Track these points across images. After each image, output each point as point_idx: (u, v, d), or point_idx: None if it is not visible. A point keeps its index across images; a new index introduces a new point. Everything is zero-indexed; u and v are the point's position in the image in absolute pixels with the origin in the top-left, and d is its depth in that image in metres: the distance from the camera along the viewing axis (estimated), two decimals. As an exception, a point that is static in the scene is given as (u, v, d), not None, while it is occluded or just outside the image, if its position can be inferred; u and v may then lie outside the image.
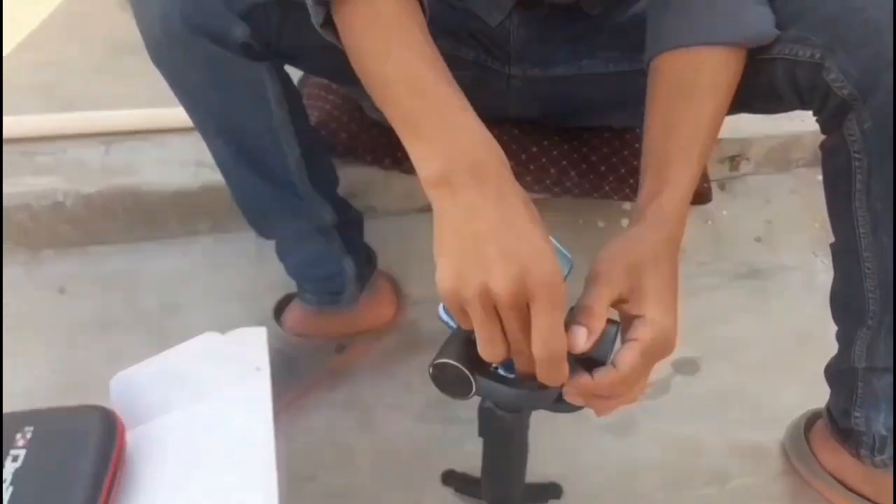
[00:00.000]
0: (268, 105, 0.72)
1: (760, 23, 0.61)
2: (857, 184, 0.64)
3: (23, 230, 1.03)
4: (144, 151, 1.07)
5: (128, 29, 0.70)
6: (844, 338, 0.74)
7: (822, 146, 0.67)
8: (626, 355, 0.50)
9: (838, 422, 0.79)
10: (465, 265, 0.46)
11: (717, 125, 0.61)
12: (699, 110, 0.60)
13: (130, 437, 0.72)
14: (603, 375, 0.50)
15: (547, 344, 0.46)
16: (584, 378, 0.50)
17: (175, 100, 0.74)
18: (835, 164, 0.66)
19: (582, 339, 0.49)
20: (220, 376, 0.73)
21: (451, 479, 0.83)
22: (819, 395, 0.84)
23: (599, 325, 0.50)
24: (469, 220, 0.46)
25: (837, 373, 0.78)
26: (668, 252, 0.54)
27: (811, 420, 0.86)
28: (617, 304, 0.52)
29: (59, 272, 1.05)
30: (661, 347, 0.51)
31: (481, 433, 0.65)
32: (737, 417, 0.92)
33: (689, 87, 0.61)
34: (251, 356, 0.74)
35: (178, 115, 1.06)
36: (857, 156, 0.63)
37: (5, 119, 1.07)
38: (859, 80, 0.57)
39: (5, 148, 1.05)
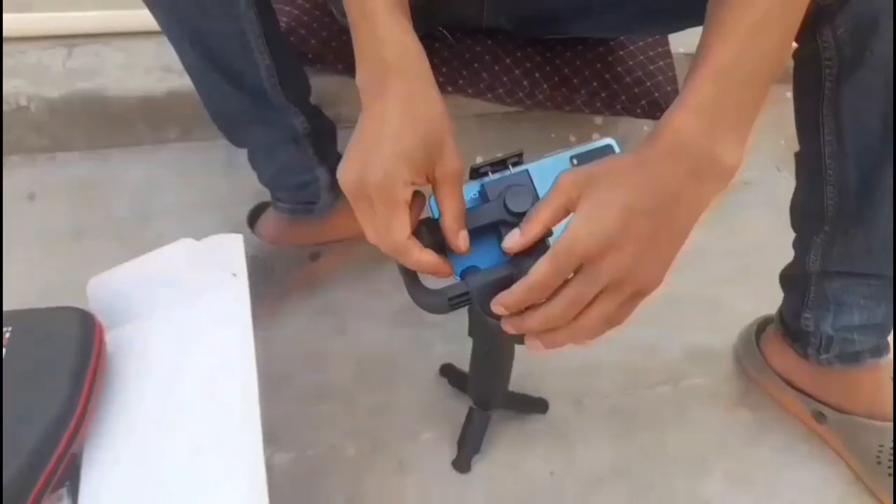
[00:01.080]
0: (237, 6, 0.70)
1: None
2: (826, 91, 0.65)
3: (-14, 135, 1.01)
4: (108, 56, 1.04)
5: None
6: (801, 244, 0.78)
7: (795, 55, 0.68)
8: (539, 262, 0.46)
9: (788, 324, 0.84)
10: (353, 164, 0.49)
11: (772, 35, 0.47)
12: (731, 14, 0.47)
13: (110, 337, 0.74)
14: (517, 292, 0.47)
15: (380, 239, 0.49)
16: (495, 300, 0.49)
17: (138, 1, 0.71)
18: (806, 72, 0.67)
19: (510, 240, 0.48)
20: (199, 281, 0.74)
21: (448, 372, 0.87)
22: (771, 305, 0.89)
23: (533, 228, 0.47)
24: (370, 126, 0.49)
25: (791, 277, 0.82)
26: (642, 167, 0.45)
27: (762, 325, 0.91)
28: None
29: (27, 178, 1.04)
30: (569, 255, 0.44)
31: (469, 332, 0.67)
32: (693, 323, 0.97)
33: None
34: (228, 262, 0.74)
35: (141, 17, 1.03)
36: (827, 63, 0.64)
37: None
38: None
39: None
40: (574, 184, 0.46)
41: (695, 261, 1.02)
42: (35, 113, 1.00)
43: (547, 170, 0.52)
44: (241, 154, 0.90)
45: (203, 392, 0.67)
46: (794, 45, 0.67)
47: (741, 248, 1.05)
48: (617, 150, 0.52)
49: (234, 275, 0.75)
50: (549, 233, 0.49)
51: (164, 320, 0.74)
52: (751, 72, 0.47)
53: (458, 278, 0.52)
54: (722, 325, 0.97)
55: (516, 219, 0.49)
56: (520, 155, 0.52)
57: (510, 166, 0.52)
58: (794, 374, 0.86)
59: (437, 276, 0.51)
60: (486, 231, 0.51)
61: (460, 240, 0.49)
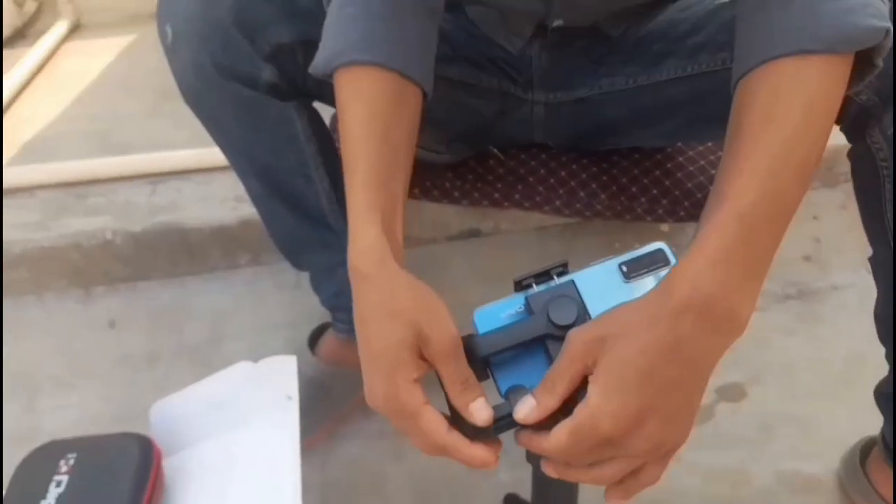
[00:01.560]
0: (297, 141, 0.75)
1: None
2: (885, 193, 0.61)
3: (75, 269, 1.09)
4: (188, 190, 1.12)
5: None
6: (893, 358, 0.70)
7: (849, 155, 0.64)
8: (554, 431, 0.44)
9: (892, 447, 0.74)
10: (366, 389, 0.50)
11: (790, 162, 0.45)
12: (759, 143, 0.45)
13: (168, 463, 0.74)
14: (536, 444, 0.46)
15: (426, 448, 0.48)
16: (524, 436, 0.48)
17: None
18: (862, 173, 0.63)
19: (524, 411, 0.45)
20: (252, 404, 0.75)
21: (512, 502, 0.81)
22: (875, 422, 0.79)
23: (548, 401, 0.45)
24: (359, 345, 0.49)
25: (886, 395, 0.73)
26: (658, 325, 0.42)
27: (867, 447, 0.81)
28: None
29: (109, 307, 1.10)
30: (591, 433, 0.43)
31: (528, 458, 0.64)
32: (786, 446, 0.87)
33: (754, 112, 0.47)
34: (282, 384, 0.75)
35: (218, 154, 1.12)
36: (883, 164, 0.60)
37: (60, 165, 1.14)
38: (878, 85, 0.55)
39: (61, 191, 1.12)
40: (587, 349, 0.44)
41: (781, 376, 0.94)
42: (119, 245, 1.07)
43: (594, 278, 0.49)
44: (305, 279, 0.91)
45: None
46: (847, 143, 0.64)
47: (834, 360, 0.96)
48: (669, 255, 0.49)
49: (289, 397, 0.75)
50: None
51: (216, 445, 0.74)
52: (775, 211, 0.44)
53: (503, 398, 0.48)
54: (818, 449, 0.86)
55: (562, 331, 0.47)
56: (564, 265, 0.50)
57: (555, 277, 0.50)
58: (908, 504, 0.75)
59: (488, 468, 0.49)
60: (532, 346, 0.48)
61: (474, 414, 0.47)
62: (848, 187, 1.16)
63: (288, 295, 1.10)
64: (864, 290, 1.05)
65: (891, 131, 0.57)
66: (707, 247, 0.43)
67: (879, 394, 0.75)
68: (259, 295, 1.10)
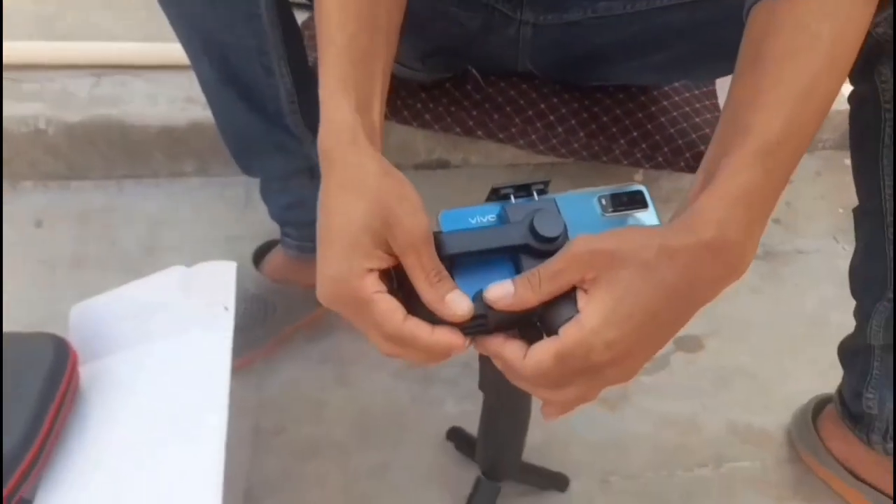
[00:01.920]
0: (259, 22, 0.67)
1: None
2: (885, 138, 0.58)
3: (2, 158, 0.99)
4: (134, 86, 1.03)
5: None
6: (862, 312, 0.68)
7: (851, 97, 0.61)
8: (537, 350, 0.41)
9: (849, 405, 0.73)
10: (318, 278, 0.44)
11: (815, 98, 0.42)
12: (783, 76, 0.41)
13: (86, 370, 0.68)
14: (510, 355, 0.42)
15: (379, 341, 0.43)
16: (496, 342, 0.43)
17: (171, 35, 0.69)
18: (862, 116, 0.60)
19: (496, 293, 0.41)
20: (183, 311, 0.69)
21: (456, 435, 0.78)
22: (830, 382, 0.78)
23: (528, 293, 0.41)
24: (319, 225, 0.44)
25: (852, 351, 0.71)
26: (676, 262, 0.39)
27: (819, 406, 0.80)
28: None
29: (36, 205, 1.01)
30: (579, 360, 0.40)
31: (480, 384, 0.60)
32: (739, 399, 0.86)
33: (776, 42, 0.43)
34: (217, 292, 0.69)
35: (172, 50, 1.02)
36: (887, 105, 0.57)
37: (-7, 43, 1.03)
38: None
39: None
40: (592, 260, 0.40)
41: (742, 332, 0.93)
42: (52, 136, 0.98)
43: (574, 204, 0.46)
44: (257, 193, 0.85)
45: (166, 439, 0.59)
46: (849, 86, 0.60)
47: (793, 321, 0.95)
48: (647, 198, 0.47)
49: (226, 308, 0.69)
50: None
51: (142, 353, 0.68)
52: (795, 149, 0.42)
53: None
54: (772, 404, 0.85)
55: (543, 244, 0.43)
56: (546, 183, 0.47)
57: (535, 193, 0.46)
58: (856, 461, 0.75)
59: (457, 353, 0.43)
60: (499, 257, 0.44)
61: (452, 305, 0.42)
62: (825, 154, 1.17)
63: (235, 211, 1.03)
64: (829, 258, 1.05)
65: None
66: (732, 185, 0.40)
67: (844, 349, 0.73)
68: (203, 207, 1.03)
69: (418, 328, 0.41)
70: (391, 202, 0.42)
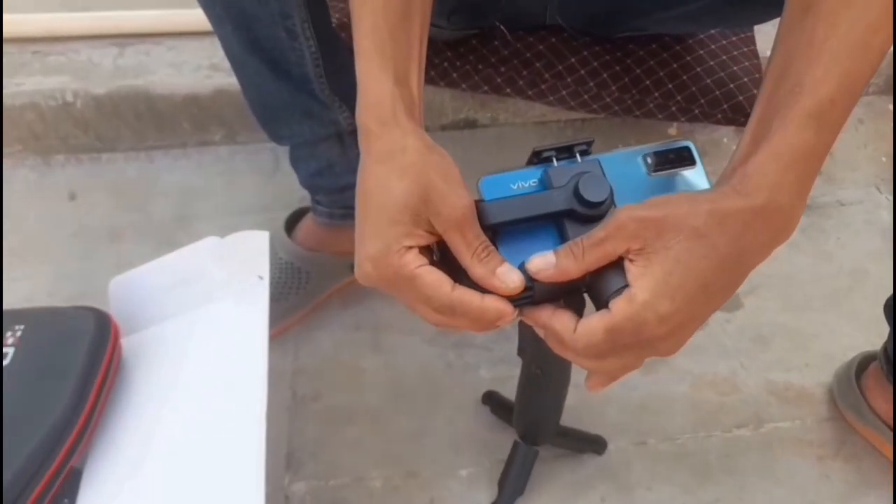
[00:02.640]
0: None
1: None
2: None
3: (33, 133, 1.00)
4: (158, 54, 1.02)
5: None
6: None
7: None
8: (588, 324, 0.40)
9: (895, 362, 0.71)
10: (357, 257, 0.43)
11: (870, 52, 0.40)
12: (837, 28, 0.39)
13: (127, 342, 0.69)
14: (560, 328, 0.41)
15: (428, 315, 0.43)
16: (545, 314, 0.42)
17: (192, 0, 0.68)
18: None
19: (538, 264, 0.40)
20: (219, 281, 0.69)
21: (492, 399, 0.78)
22: (874, 338, 0.77)
23: (570, 264, 0.40)
24: (358, 204, 0.43)
25: (899, 308, 0.69)
26: (728, 228, 0.38)
27: (863, 363, 0.78)
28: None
29: (69, 178, 1.02)
30: (631, 335, 0.39)
31: (519, 351, 0.60)
32: (778, 357, 0.84)
33: None
34: (252, 261, 0.69)
35: (192, 16, 1.01)
36: None
37: (16, 17, 1.02)
38: None
39: (15, 47, 1.01)
40: (638, 230, 0.38)
41: (782, 287, 0.91)
42: (80, 109, 0.98)
43: (619, 164, 0.44)
44: (287, 160, 0.84)
45: (207, 408, 0.60)
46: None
47: (836, 275, 0.93)
48: (695, 154, 0.45)
49: (260, 277, 0.69)
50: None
51: (181, 324, 0.69)
52: (848, 106, 0.39)
53: None
54: (814, 362, 0.84)
55: (589, 209, 0.42)
56: (590, 143, 0.45)
57: (578, 155, 0.45)
58: (901, 421, 0.73)
59: (505, 323, 0.42)
60: (543, 224, 0.43)
61: (504, 278, 0.41)
62: (869, 101, 1.12)
63: (265, 178, 1.03)
64: (872, 209, 1.01)
65: None
66: (784, 147, 0.38)
67: (890, 307, 0.71)
68: (233, 175, 1.03)
69: (468, 295, 0.41)
70: (434, 179, 0.41)
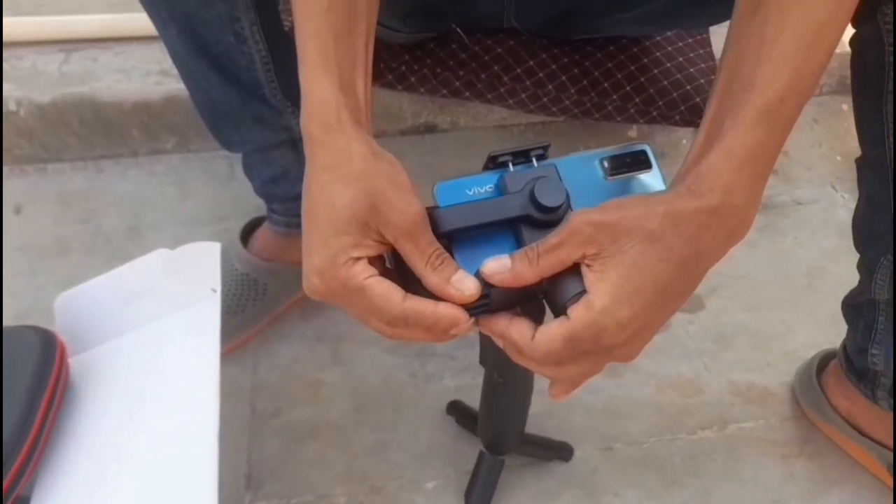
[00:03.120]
0: None
1: None
2: (889, 83, 0.55)
3: (-27, 143, 0.96)
4: (106, 60, 0.99)
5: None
6: (866, 267, 0.66)
7: (852, 41, 0.57)
8: (546, 332, 0.39)
9: (854, 361, 0.72)
10: (305, 268, 0.41)
11: (820, 50, 0.39)
12: (787, 26, 0.39)
13: (76, 361, 0.66)
14: (517, 336, 0.40)
15: (380, 327, 0.41)
16: (501, 323, 0.41)
17: (138, 5, 0.65)
18: (865, 60, 0.57)
19: (493, 268, 0.39)
20: (170, 296, 0.67)
21: (456, 409, 0.77)
22: (833, 336, 0.77)
23: (526, 270, 0.39)
24: (304, 213, 0.41)
25: (856, 306, 0.70)
26: (682, 230, 0.38)
27: (824, 361, 0.79)
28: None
29: (14, 190, 0.98)
30: (590, 342, 0.38)
31: (481, 360, 0.59)
32: (741, 358, 0.85)
33: None
34: (203, 274, 0.67)
35: (141, 20, 0.98)
36: (890, 49, 0.53)
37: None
38: None
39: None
40: (594, 235, 0.38)
41: (741, 287, 0.91)
42: (24, 118, 0.94)
43: (576, 168, 0.44)
44: (241, 168, 0.82)
45: (159, 428, 0.58)
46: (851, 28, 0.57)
47: (793, 274, 0.94)
48: (651, 157, 0.45)
49: (214, 290, 0.67)
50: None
51: (131, 341, 0.67)
52: (798, 104, 0.40)
53: None
54: (775, 361, 0.84)
55: (545, 214, 0.41)
56: (546, 147, 0.44)
57: (534, 159, 0.44)
58: (862, 418, 0.74)
59: (461, 332, 0.41)
60: (499, 230, 0.42)
61: (460, 285, 0.39)
62: (822, 100, 1.13)
63: (220, 187, 1.00)
64: (828, 207, 1.03)
65: None
66: (736, 146, 0.38)
67: (847, 304, 0.71)
68: (186, 184, 1.00)
69: (421, 304, 0.39)
70: (381, 187, 0.39)
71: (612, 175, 0.44)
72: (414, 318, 0.39)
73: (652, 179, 0.45)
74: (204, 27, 0.65)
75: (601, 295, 0.37)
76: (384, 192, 0.39)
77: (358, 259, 0.39)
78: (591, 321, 0.38)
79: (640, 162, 0.45)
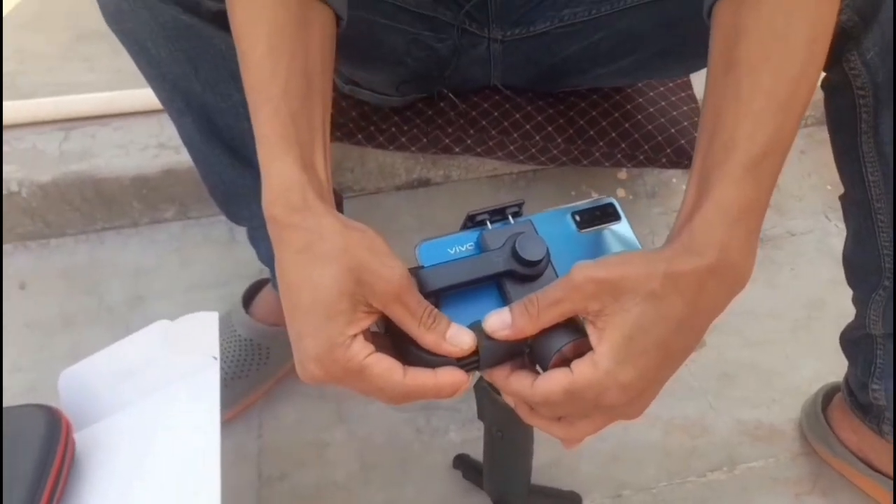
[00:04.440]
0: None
1: None
2: (862, 124, 0.56)
3: (-23, 224, 0.98)
4: (104, 136, 1.01)
5: (94, 15, 0.62)
6: (859, 301, 0.67)
7: (823, 84, 0.59)
8: (546, 382, 0.39)
9: (857, 395, 0.71)
10: (297, 358, 0.42)
11: (796, 103, 0.40)
12: (761, 84, 0.40)
13: (81, 437, 0.67)
14: (519, 386, 0.41)
15: (386, 401, 0.42)
16: (501, 373, 0.42)
17: (137, 80, 0.67)
18: (837, 104, 0.58)
19: (494, 323, 0.40)
20: (169, 368, 0.67)
21: (463, 463, 0.76)
22: (836, 368, 0.77)
23: (525, 323, 0.39)
24: (284, 303, 0.42)
25: (853, 340, 0.70)
26: (682, 289, 0.38)
27: (829, 395, 0.79)
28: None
29: (18, 267, 0.99)
30: (592, 399, 0.39)
31: (479, 414, 0.59)
32: (745, 395, 0.84)
33: (748, 47, 0.41)
34: (202, 344, 0.67)
35: (139, 96, 1.01)
36: (860, 92, 0.55)
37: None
38: (860, 3, 0.49)
39: (-43, 138, 1.00)
40: (594, 293, 0.38)
41: (741, 323, 0.91)
42: (26, 198, 0.96)
43: (551, 223, 0.46)
44: (240, 231, 0.83)
45: (164, 500, 0.58)
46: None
47: (793, 307, 0.94)
48: (619, 210, 0.47)
49: (214, 358, 0.67)
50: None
51: (132, 414, 0.67)
52: (782, 155, 0.40)
53: None
54: (780, 396, 0.84)
55: (528, 268, 0.42)
56: (520, 204, 0.46)
57: (510, 216, 0.46)
58: (871, 452, 0.73)
59: (463, 391, 0.42)
60: (483, 286, 0.43)
61: (456, 340, 0.40)
62: (808, 132, 1.15)
63: (220, 250, 1.02)
64: (822, 237, 1.04)
65: (870, 54, 0.52)
66: (727, 202, 0.39)
67: (845, 339, 0.72)
68: (187, 250, 1.01)
69: (421, 377, 0.40)
70: (361, 258, 0.40)
71: (583, 228, 0.46)
72: (417, 392, 0.40)
73: (622, 230, 0.47)
74: (220, 116, 0.67)
75: (605, 356, 0.38)
76: (365, 263, 0.39)
77: (354, 337, 0.39)
78: (595, 381, 0.38)
79: (608, 214, 0.47)
